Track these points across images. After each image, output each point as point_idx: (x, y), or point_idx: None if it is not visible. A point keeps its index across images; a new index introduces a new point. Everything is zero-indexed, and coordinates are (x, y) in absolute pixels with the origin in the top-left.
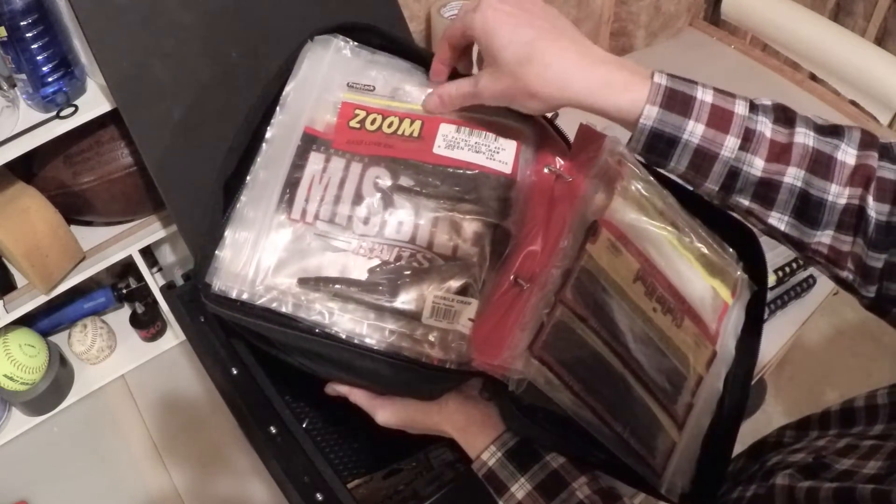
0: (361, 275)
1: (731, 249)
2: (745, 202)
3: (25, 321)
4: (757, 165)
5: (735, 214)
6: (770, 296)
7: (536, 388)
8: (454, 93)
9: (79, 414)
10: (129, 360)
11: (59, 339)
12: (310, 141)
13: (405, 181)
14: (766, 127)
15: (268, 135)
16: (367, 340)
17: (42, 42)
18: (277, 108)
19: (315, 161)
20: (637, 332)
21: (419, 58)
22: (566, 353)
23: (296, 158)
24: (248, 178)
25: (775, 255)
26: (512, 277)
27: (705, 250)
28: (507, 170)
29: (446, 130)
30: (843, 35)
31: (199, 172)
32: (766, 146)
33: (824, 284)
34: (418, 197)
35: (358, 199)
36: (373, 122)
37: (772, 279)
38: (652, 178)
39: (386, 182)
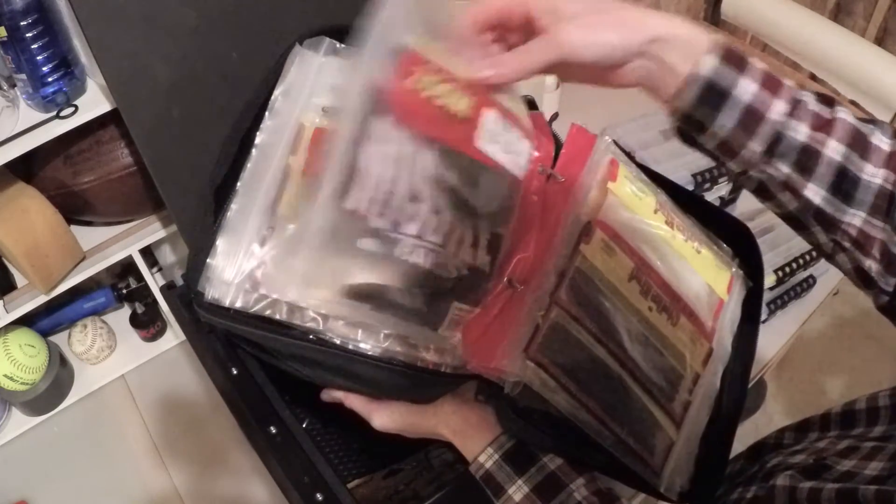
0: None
1: (725, 246)
2: (785, 169)
3: (25, 321)
4: (802, 131)
5: (767, 188)
6: (770, 296)
7: (532, 390)
8: (536, 54)
9: (79, 414)
10: (129, 360)
11: (59, 339)
12: None
13: (449, 177)
14: (810, 100)
15: (257, 140)
16: (362, 346)
17: (42, 42)
18: (266, 114)
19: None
20: (633, 331)
21: None
22: (561, 354)
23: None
24: (238, 184)
25: (775, 255)
26: (506, 279)
27: (700, 248)
28: (522, 174)
29: (489, 119)
30: (843, 35)
31: (199, 172)
32: (810, 116)
33: (824, 284)
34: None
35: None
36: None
37: (772, 279)
38: (645, 177)
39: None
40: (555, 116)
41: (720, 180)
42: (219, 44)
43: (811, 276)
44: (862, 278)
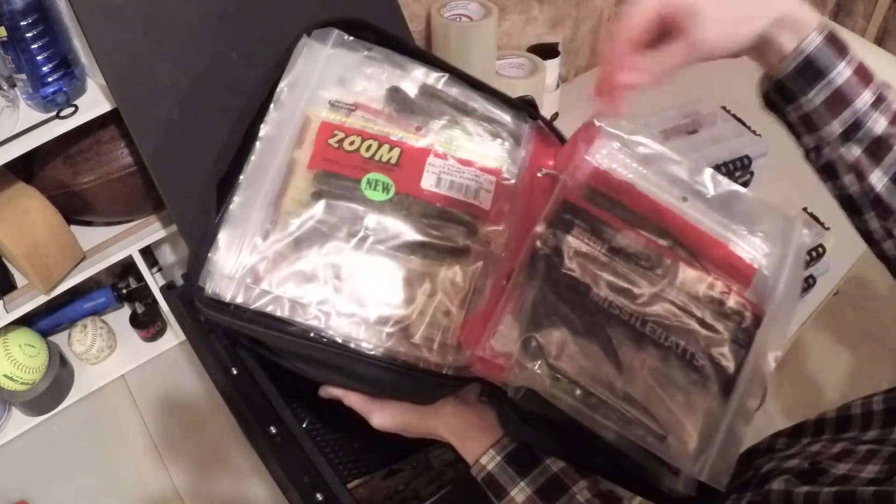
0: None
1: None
2: (856, 153)
3: (25, 321)
4: (881, 123)
5: (834, 167)
6: None
7: (536, 394)
8: (677, 58)
9: (79, 414)
10: (129, 360)
11: (59, 339)
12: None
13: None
14: (893, 96)
15: (262, 132)
16: (364, 345)
17: (42, 42)
18: (272, 105)
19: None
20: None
21: (415, 54)
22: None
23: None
24: (241, 177)
25: None
26: (504, 282)
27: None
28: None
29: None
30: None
31: (199, 172)
32: (891, 112)
33: (824, 284)
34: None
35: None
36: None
37: None
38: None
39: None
40: (555, 116)
41: None
42: (219, 44)
43: (811, 276)
44: None
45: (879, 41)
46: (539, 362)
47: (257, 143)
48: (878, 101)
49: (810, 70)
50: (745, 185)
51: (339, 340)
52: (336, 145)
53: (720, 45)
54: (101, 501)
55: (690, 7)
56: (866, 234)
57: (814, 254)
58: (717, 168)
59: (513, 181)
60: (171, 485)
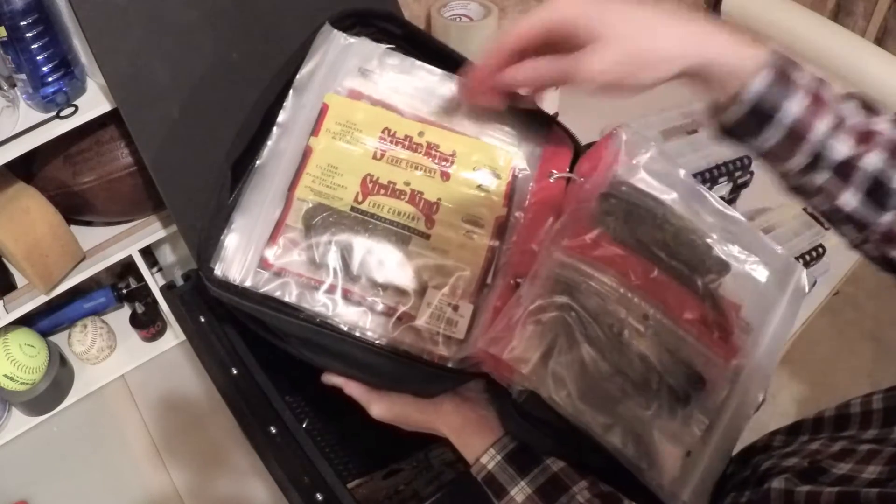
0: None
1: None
2: (824, 178)
3: (25, 321)
4: (846, 146)
5: (804, 190)
6: None
7: (539, 398)
8: (543, 70)
9: (79, 414)
10: (129, 360)
11: (59, 339)
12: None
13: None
14: (852, 113)
15: (280, 119)
16: (369, 334)
17: (42, 42)
18: (290, 92)
19: None
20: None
21: (435, 52)
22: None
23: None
24: (257, 161)
25: None
26: (512, 281)
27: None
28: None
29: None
30: (843, 35)
31: (199, 172)
32: (851, 132)
33: (824, 284)
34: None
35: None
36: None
37: None
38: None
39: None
40: (554, 116)
41: (720, 180)
42: (219, 44)
43: (811, 276)
44: (887, 267)
45: (879, 41)
46: (549, 372)
47: (274, 129)
48: (837, 125)
49: (757, 115)
50: (745, 185)
51: (345, 328)
52: None
53: (611, 81)
54: (101, 501)
55: (590, 30)
56: (846, 240)
57: (814, 254)
58: (718, 168)
59: (528, 171)
60: (171, 485)
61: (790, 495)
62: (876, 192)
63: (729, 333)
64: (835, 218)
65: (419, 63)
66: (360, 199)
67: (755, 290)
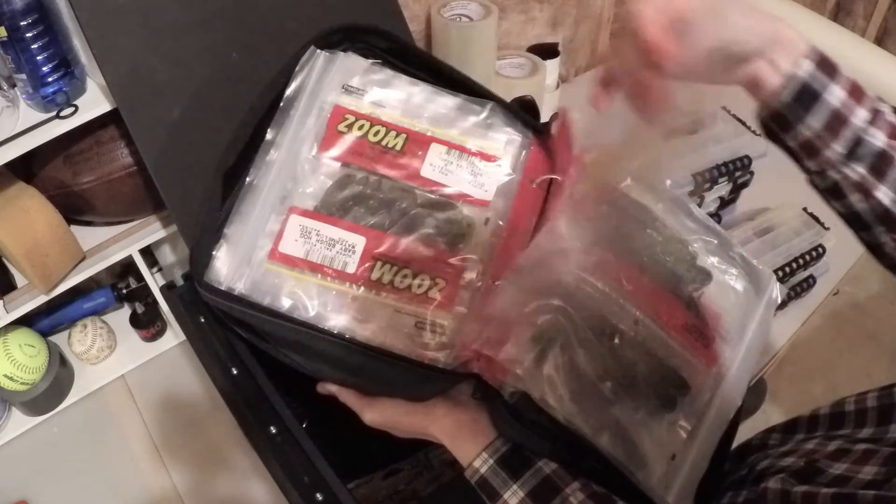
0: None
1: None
2: (861, 170)
3: (25, 321)
4: (880, 138)
5: (840, 187)
6: None
7: (530, 399)
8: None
9: (79, 414)
10: (129, 360)
11: (59, 339)
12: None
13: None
14: (888, 111)
15: (268, 136)
16: (359, 337)
17: (42, 42)
18: (279, 107)
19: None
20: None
21: (424, 64)
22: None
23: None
24: (247, 175)
25: (775, 255)
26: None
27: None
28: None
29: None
30: (843, 35)
31: (199, 172)
32: (888, 125)
33: (824, 284)
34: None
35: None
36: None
37: None
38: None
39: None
40: (555, 116)
41: (720, 180)
42: (219, 44)
43: (811, 276)
44: None
45: (879, 41)
46: (543, 374)
47: (264, 143)
48: (875, 116)
49: (806, 96)
50: (745, 185)
51: (336, 332)
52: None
53: (704, 61)
54: (101, 501)
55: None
56: (875, 248)
57: (814, 254)
58: (717, 168)
59: (514, 176)
60: (171, 485)
61: (787, 495)
62: None
63: (710, 341)
64: (870, 219)
65: (405, 77)
66: None
67: (734, 300)
